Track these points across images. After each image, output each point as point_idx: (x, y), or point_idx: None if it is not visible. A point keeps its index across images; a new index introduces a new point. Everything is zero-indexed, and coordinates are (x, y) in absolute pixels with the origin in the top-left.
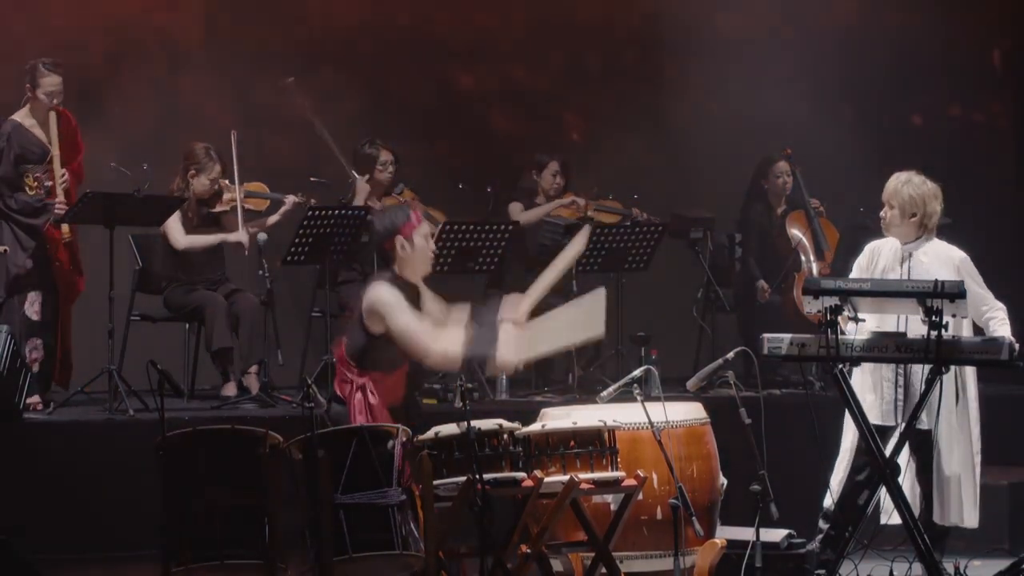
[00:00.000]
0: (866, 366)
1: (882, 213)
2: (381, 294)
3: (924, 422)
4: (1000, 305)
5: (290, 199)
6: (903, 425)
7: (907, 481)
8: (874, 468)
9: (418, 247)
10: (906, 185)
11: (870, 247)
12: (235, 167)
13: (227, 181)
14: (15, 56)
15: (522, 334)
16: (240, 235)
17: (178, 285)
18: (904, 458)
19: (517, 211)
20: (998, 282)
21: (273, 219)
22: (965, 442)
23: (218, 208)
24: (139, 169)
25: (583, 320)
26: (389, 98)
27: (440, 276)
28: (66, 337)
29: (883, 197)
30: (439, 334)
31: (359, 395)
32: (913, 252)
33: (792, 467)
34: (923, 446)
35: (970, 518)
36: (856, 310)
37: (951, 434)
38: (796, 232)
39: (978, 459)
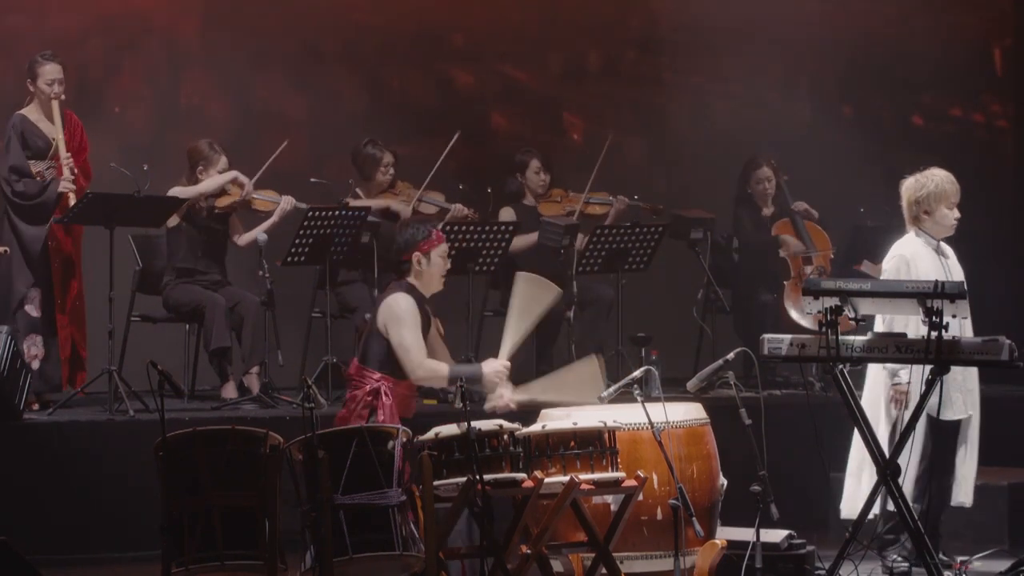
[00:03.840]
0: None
1: (958, 215)
2: (399, 303)
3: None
4: None
5: (287, 199)
6: (904, 425)
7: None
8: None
9: (434, 264)
10: None
11: (899, 254)
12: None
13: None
14: (14, 56)
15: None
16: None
17: (177, 283)
18: (904, 458)
19: (508, 216)
20: (998, 281)
21: (271, 221)
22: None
23: (226, 203)
24: (139, 169)
25: (579, 384)
26: (389, 98)
27: None
28: (77, 335)
29: (957, 201)
30: (434, 350)
31: (370, 398)
32: (943, 247)
33: (792, 467)
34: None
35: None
36: (856, 311)
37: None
38: (784, 241)
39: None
